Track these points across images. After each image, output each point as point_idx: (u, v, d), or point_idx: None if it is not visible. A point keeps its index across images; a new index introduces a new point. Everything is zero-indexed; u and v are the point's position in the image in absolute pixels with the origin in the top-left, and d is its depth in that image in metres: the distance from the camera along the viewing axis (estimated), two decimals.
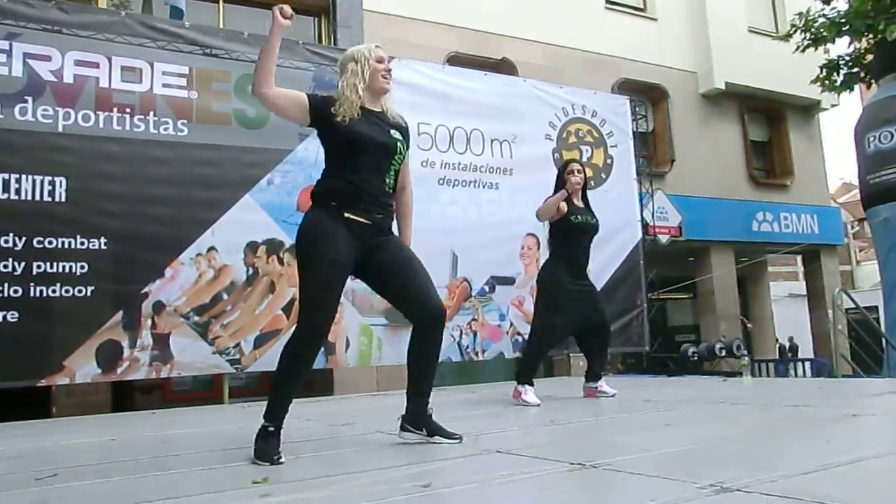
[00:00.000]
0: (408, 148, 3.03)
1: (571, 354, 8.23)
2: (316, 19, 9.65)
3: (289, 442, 2.73)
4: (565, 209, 4.64)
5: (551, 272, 4.76)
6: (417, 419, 2.91)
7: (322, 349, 6.02)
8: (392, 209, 2.96)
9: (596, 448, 2.71)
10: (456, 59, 10.18)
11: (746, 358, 5.96)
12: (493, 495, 1.92)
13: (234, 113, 6.15)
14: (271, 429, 2.65)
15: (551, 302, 4.67)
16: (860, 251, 28.21)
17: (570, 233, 4.71)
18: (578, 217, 4.73)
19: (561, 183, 4.80)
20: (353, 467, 2.40)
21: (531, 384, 4.55)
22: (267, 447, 2.58)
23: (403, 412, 2.96)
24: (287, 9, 2.73)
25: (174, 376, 5.87)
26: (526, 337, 6.87)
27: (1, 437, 3.98)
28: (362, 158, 2.81)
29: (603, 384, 4.82)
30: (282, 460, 2.52)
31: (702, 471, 1.95)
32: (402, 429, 2.95)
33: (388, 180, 2.90)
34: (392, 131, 2.93)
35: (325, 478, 2.23)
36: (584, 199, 4.94)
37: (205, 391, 7.92)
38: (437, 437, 2.85)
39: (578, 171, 4.81)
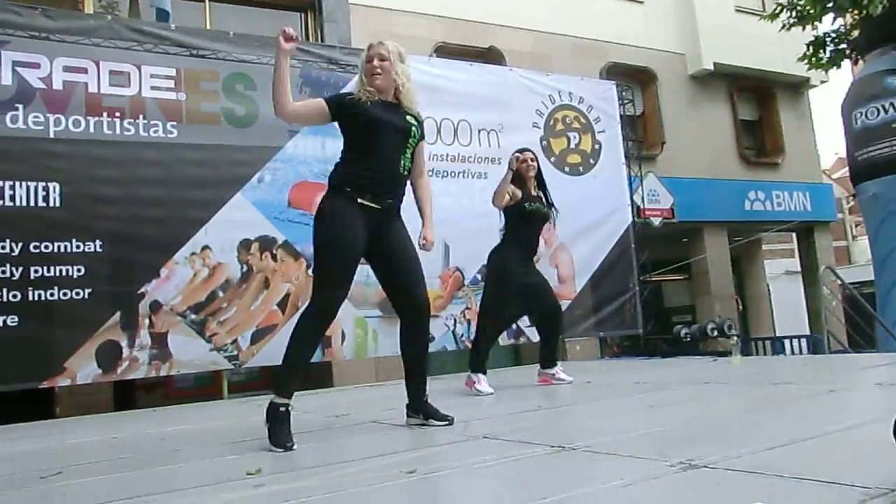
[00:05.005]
0: (422, 136, 3.22)
1: (566, 339, 8.36)
2: (302, 15, 9.67)
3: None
4: (519, 195, 4.67)
5: (502, 259, 4.74)
6: (416, 405, 3.13)
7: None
8: (402, 193, 3.12)
9: (577, 431, 2.81)
10: (443, 50, 10.23)
11: (735, 338, 6.04)
12: (473, 479, 2.02)
13: (223, 112, 6.22)
14: (283, 409, 2.79)
15: (501, 289, 4.68)
16: (856, 226, 28.25)
17: (523, 220, 4.71)
18: (531, 204, 4.75)
19: (515, 175, 4.82)
20: (344, 456, 2.49)
21: (484, 372, 4.59)
22: (280, 432, 2.72)
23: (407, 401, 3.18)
24: (290, 30, 2.86)
25: (174, 374, 5.92)
26: (519, 324, 7.04)
27: (6, 438, 4.08)
28: (379, 140, 2.99)
29: (559, 370, 4.84)
30: (294, 447, 2.66)
31: (674, 450, 2.05)
32: (408, 415, 3.17)
33: (403, 162, 3.06)
34: (406, 116, 3.10)
35: (317, 467, 2.33)
36: (541, 188, 4.94)
37: (205, 387, 8.00)
38: (430, 420, 3.05)
39: (532, 160, 4.83)
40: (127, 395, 8.17)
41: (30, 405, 5.84)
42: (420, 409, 3.10)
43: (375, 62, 3.05)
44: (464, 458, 2.31)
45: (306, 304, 3.01)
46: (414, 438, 2.83)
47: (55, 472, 2.58)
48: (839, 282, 10.18)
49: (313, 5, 9.54)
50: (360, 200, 2.94)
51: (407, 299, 3.08)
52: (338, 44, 8.87)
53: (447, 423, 3.01)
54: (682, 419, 2.87)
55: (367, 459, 2.38)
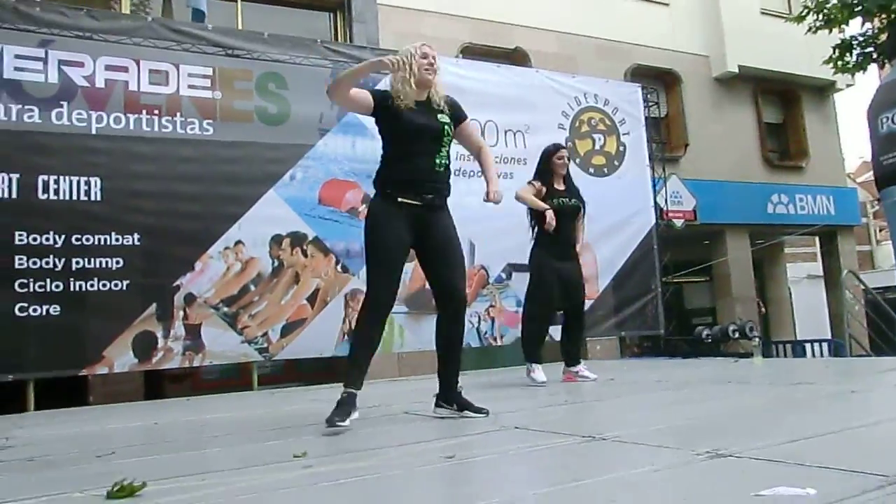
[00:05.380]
0: (462, 119, 3.41)
1: (588, 339, 8.44)
2: (331, 15, 9.84)
3: (319, 423, 2.96)
4: (543, 192, 4.87)
5: (536, 256, 5.03)
6: (448, 396, 3.25)
7: (346, 338, 6.36)
8: (444, 187, 3.29)
9: (605, 423, 2.91)
10: (469, 50, 10.35)
11: (757, 339, 6.11)
12: (510, 464, 2.14)
13: (256, 110, 6.38)
14: (345, 395, 3.01)
15: (539, 281, 4.97)
16: (880, 231, 27.93)
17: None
18: (557, 200, 4.91)
19: (547, 166, 5.02)
20: (383, 443, 2.62)
21: (540, 362, 4.81)
22: (335, 412, 2.93)
23: (437, 391, 3.31)
24: (391, 60, 3.11)
25: (206, 365, 6.10)
26: None
27: (51, 422, 4.27)
28: (414, 144, 3.17)
29: (583, 368, 4.97)
30: (343, 423, 2.87)
31: (700, 441, 2.15)
32: (436, 405, 3.29)
33: (438, 160, 3.23)
34: (439, 116, 3.26)
35: (359, 452, 2.46)
36: (567, 181, 5.10)
37: (232, 379, 8.18)
38: (465, 411, 3.17)
39: (567, 158, 5.08)
40: (155, 386, 8.38)
41: (65, 393, 6.03)
42: (454, 400, 3.23)
43: (430, 59, 3.24)
44: (498, 445, 2.44)
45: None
46: (447, 428, 2.95)
47: (109, 452, 2.74)
48: (862, 286, 10.17)
49: (342, 5, 9.71)
50: (400, 199, 3.14)
51: (447, 292, 3.26)
52: (366, 44, 9.04)
53: (483, 414, 3.12)
54: (705, 414, 2.97)
55: (406, 446, 2.51)
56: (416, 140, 3.18)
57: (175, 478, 2.09)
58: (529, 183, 5.06)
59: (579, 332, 5.16)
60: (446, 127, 3.27)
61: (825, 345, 11.27)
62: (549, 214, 4.74)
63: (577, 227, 5.09)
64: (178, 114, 5.97)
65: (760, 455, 1.87)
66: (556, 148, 5.10)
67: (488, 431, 2.74)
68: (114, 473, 2.18)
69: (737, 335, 8.16)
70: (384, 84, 3.78)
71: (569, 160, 5.12)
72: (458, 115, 3.39)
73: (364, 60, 7.01)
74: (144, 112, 5.82)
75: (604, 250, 7.82)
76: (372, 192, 6.69)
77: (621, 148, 8.24)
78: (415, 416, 3.38)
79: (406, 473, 2.03)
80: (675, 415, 2.99)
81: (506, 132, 7.47)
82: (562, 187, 5.01)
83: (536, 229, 5.00)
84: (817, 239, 15.39)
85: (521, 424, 2.82)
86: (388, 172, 3.23)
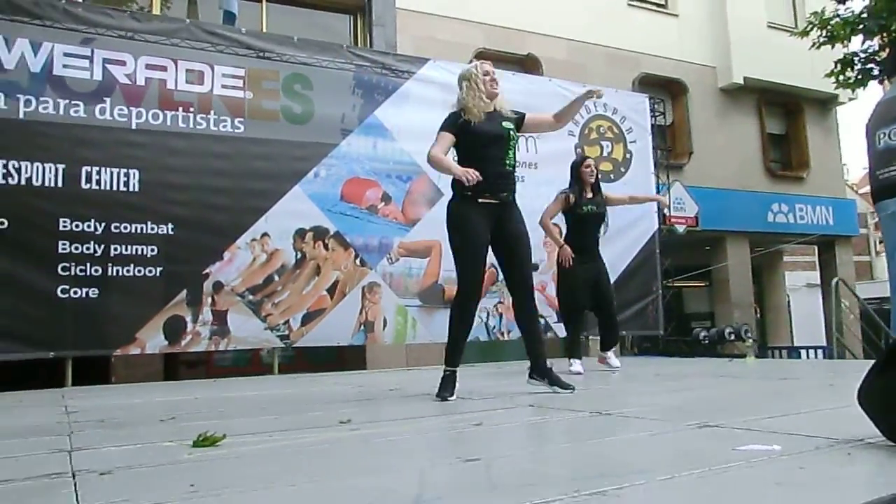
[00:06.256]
0: (523, 116, 3.97)
1: (590, 336, 8.80)
2: (351, 18, 10.19)
3: (350, 400, 3.33)
4: (572, 200, 5.33)
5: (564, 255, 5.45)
6: (540, 371, 3.67)
7: (363, 328, 6.72)
8: (514, 184, 3.75)
9: (611, 402, 3.28)
10: (483, 55, 10.68)
11: (751, 340, 6.46)
12: (529, 430, 2.51)
13: (282, 109, 6.72)
14: (448, 373, 3.55)
15: (568, 284, 5.44)
16: (880, 242, 28.18)
17: (578, 221, 5.40)
18: (585, 207, 5.38)
19: (576, 175, 5.44)
20: (415, 413, 2.98)
21: (579, 357, 5.32)
22: (443, 386, 3.50)
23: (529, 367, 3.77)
24: (475, 174, 3.46)
25: (231, 349, 6.46)
26: (547, 319, 7.55)
27: (96, 396, 4.63)
28: (486, 150, 3.61)
29: (610, 355, 5.54)
30: (451, 398, 3.38)
31: (691, 417, 2.51)
32: (530, 378, 3.71)
33: (507, 161, 3.71)
34: (504, 123, 3.74)
35: (397, 420, 2.83)
36: (596, 189, 5.52)
37: (244, 367, 8.54)
38: (555, 386, 3.60)
39: (594, 167, 5.56)
40: (172, 370, 8.75)
41: (89, 372, 6.38)
42: (545, 375, 3.65)
43: (492, 75, 3.75)
44: (519, 418, 2.81)
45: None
46: (470, 405, 3.31)
47: (170, 417, 3.11)
48: (854, 295, 10.52)
49: (363, 9, 10.05)
50: (479, 200, 3.57)
51: (520, 279, 3.72)
52: (385, 46, 9.40)
53: (570, 390, 3.55)
54: (697, 398, 3.34)
55: (436, 417, 2.88)
56: (488, 146, 3.64)
57: (243, 435, 2.45)
58: (562, 192, 5.45)
59: (612, 325, 5.68)
60: (511, 132, 3.76)
61: (820, 351, 11.63)
62: (563, 253, 5.30)
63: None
64: (212, 111, 6.32)
65: (741, 426, 2.23)
66: (582, 159, 5.54)
67: (508, 408, 3.10)
68: (184, 431, 2.55)
69: (732, 337, 8.53)
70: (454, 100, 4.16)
71: (596, 169, 5.50)
72: (518, 116, 3.91)
73: (387, 66, 7.32)
74: (180, 109, 6.18)
75: (607, 253, 8.08)
76: (390, 190, 7.07)
77: (628, 155, 8.59)
78: (435, 401, 3.74)
79: (442, 435, 2.40)
80: (670, 399, 3.36)
81: (518, 137, 7.80)
82: (590, 195, 5.42)
83: (566, 234, 5.42)
84: (816, 248, 15.74)
85: (534, 403, 3.19)
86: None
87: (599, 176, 5.66)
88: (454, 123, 3.69)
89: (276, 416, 3.11)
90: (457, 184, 3.63)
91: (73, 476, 1.77)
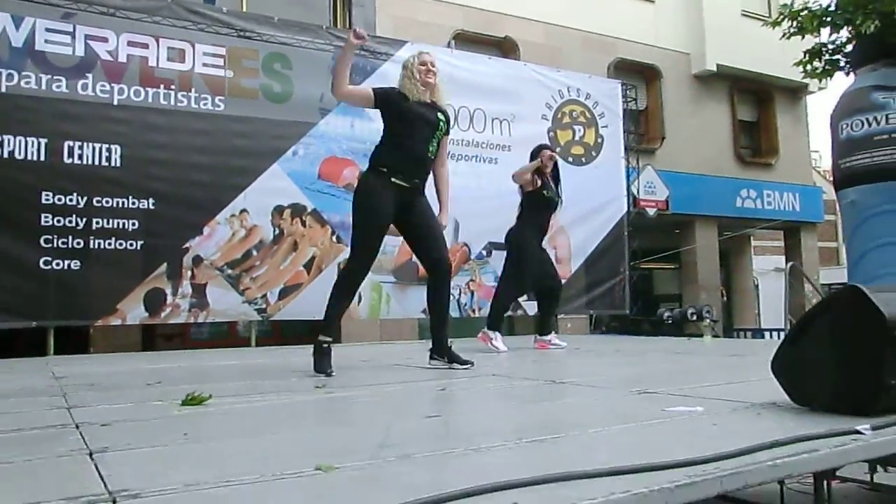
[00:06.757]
0: (447, 132, 3.97)
1: (559, 316, 9.12)
2: None
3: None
4: (539, 182, 5.44)
5: (522, 236, 5.51)
6: (440, 350, 3.83)
7: None
8: (427, 174, 3.86)
9: (565, 374, 3.56)
10: (462, 37, 10.84)
11: (709, 321, 6.78)
12: (489, 393, 2.76)
13: (262, 88, 6.86)
14: (325, 345, 3.56)
15: (521, 262, 5.47)
16: None
17: (540, 204, 5.50)
18: (548, 191, 5.53)
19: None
20: (385, 380, 3.23)
21: (500, 331, 5.39)
22: (323, 361, 3.49)
23: (430, 346, 3.91)
24: (361, 31, 3.58)
25: (210, 321, 6.65)
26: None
27: (80, 364, 4.81)
28: (413, 131, 3.73)
29: (554, 337, 5.62)
30: (333, 373, 3.39)
31: (635, 385, 2.77)
32: (431, 358, 3.87)
33: (430, 148, 3.80)
34: (438, 113, 3.86)
35: (367, 386, 3.06)
36: (556, 181, 5.68)
37: (218, 339, 8.73)
38: (454, 363, 3.75)
39: (553, 157, 5.68)
40: (149, 342, 8.91)
41: (67, 343, 6.53)
42: (444, 354, 3.82)
43: (430, 66, 3.83)
44: (480, 385, 3.06)
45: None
46: (436, 374, 3.55)
47: (157, 382, 3.31)
48: (822, 281, 10.93)
49: None
50: (393, 179, 3.66)
51: (433, 258, 3.84)
52: (364, 27, 9.49)
53: (469, 366, 3.71)
54: (647, 371, 3.62)
55: (404, 383, 3.12)
56: (416, 128, 3.74)
57: (227, 397, 2.67)
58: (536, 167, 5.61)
59: (555, 307, 5.84)
60: (441, 123, 3.86)
61: (783, 333, 12.06)
62: (543, 155, 5.42)
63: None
64: (192, 89, 6.45)
65: (675, 393, 2.50)
66: (541, 147, 5.69)
67: (471, 377, 3.36)
68: (171, 393, 2.76)
69: (694, 317, 8.88)
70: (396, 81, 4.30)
71: (554, 158, 5.69)
72: (448, 125, 3.96)
73: (364, 47, 7.50)
74: (162, 86, 6.30)
75: (578, 234, 8.45)
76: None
77: (599, 140, 8.85)
78: (407, 367, 3.98)
79: (409, 398, 2.65)
80: (621, 371, 3.64)
81: (493, 120, 8.03)
82: (552, 184, 5.62)
83: (525, 212, 5.57)
84: (783, 233, 16.18)
85: (496, 373, 3.45)
86: (387, 152, 3.77)
87: (557, 165, 5.75)
88: (386, 91, 3.80)
89: (256, 382, 3.33)
90: (376, 157, 3.74)
91: (77, 427, 1.98)
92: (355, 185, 6.83)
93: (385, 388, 2.98)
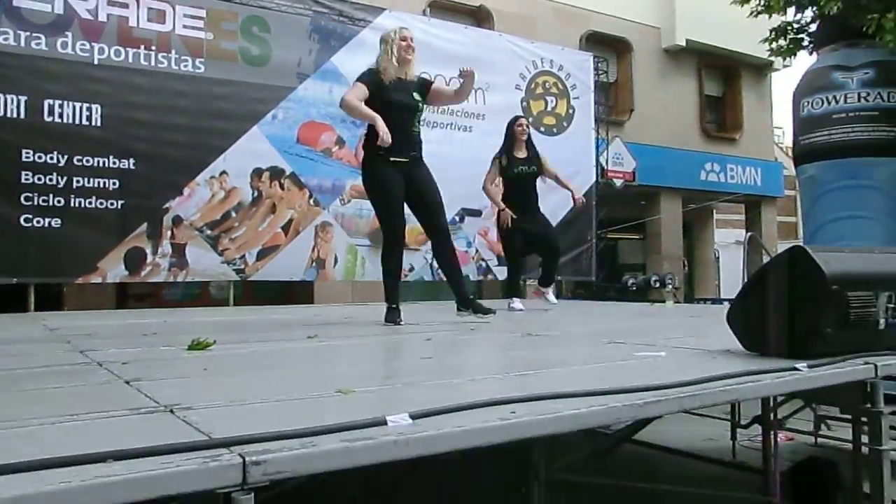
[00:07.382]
0: (429, 85, 4.28)
1: (527, 280, 9.42)
2: None
3: (311, 324, 3.75)
4: (504, 163, 5.71)
5: (504, 215, 5.78)
6: (463, 302, 4.23)
7: (314, 264, 7.10)
8: (420, 145, 4.16)
9: (541, 327, 3.81)
10: (436, 5, 10.92)
11: (671, 287, 7.12)
12: (473, 344, 3.00)
13: (240, 51, 6.93)
14: (393, 306, 4.01)
15: (508, 238, 5.82)
16: None
17: (512, 182, 5.75)
18: (517, 169, 5.73)
19: (510, 133, 5.81)
20: (371, 332, 3.45)
21: (519, 296, 5.85)
22: (393, 314, 3.95)
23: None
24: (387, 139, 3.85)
25: (189, 280, 6.78)
26: (489, 263, 8.13)
27: (62, 318, 4.93)
28: (397, 118, 3.96)
29: (549, 292, 6.03)
30: (402, 322, 3.79)
31: (604, 337, 3.04)
32: (458, 310, 4.24)
33: (414, 129, 4.10)
34: (413, 93, 4.10)
35: (357, 336, 3.28)
36: (529, 147, 5.87)
37: (191, 301, 8.82)
38: (478, 312, 4.13)
39: (526, 126, 5.90)
40: (122, 301, 8.99)
41: (43, 301, 6.60)
42: (469, 305, 4.20)
43: (409, 41, 4.05)
44: (463, 335, 3.29)
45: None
46: (420, 328, 3.78)
47: (152, 333, 3.48)
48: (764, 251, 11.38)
49: None
50: (391, 159, 3.96)
51: (432, 224, 4.21)
52: None
53: (492, 314, 4.10)
54: (613, 327, 3.90)
55: (392, 334, 3.35)
56: (399, 114, 4.00)
57: (229, 344, 2.86)
58: (494, 159, 5.80)
59: (555, 266, 6.19)
60: (418, 104, 4.14)
61: None
62: (503, 216, 5.67)
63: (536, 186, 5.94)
64: (172, 50, 6.49)
65: (642, 343, 2.77)
66: (516, 118, 5.90)
67: (451, 330, 3.59)
68: (172, 341, 2.94)
69: (657, 285, 9.26)
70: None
71: (528, 128, 5.89)
72: (425, 85, 4.23)
73: (344, 13, 7.54)
74: (142, 46, 6.33)
75: (547, 202, 8.67)
76: (344, 134, 7.36)
77: (571, 111, 9.07)
78: (387, 326, 4.20)
79: (399, 345, 2.88)
80: (591, 327, 3.92)
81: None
82: (523, 154, 5.79)
83: (504, 192, 5.81)
84: (744, 207, 16.69)
85: (476, 327, 3.69)
86: (378, 138, 3.93)
87: (531, 135, 5.95)
88: (371, 80, 4.02)
89: (250, 333, 3.52)
90: (369, 145, 3.99)
91: (101, 364, 2.17)
92: (332, 149, 7.19)
93: (376, 337, 3.21)
